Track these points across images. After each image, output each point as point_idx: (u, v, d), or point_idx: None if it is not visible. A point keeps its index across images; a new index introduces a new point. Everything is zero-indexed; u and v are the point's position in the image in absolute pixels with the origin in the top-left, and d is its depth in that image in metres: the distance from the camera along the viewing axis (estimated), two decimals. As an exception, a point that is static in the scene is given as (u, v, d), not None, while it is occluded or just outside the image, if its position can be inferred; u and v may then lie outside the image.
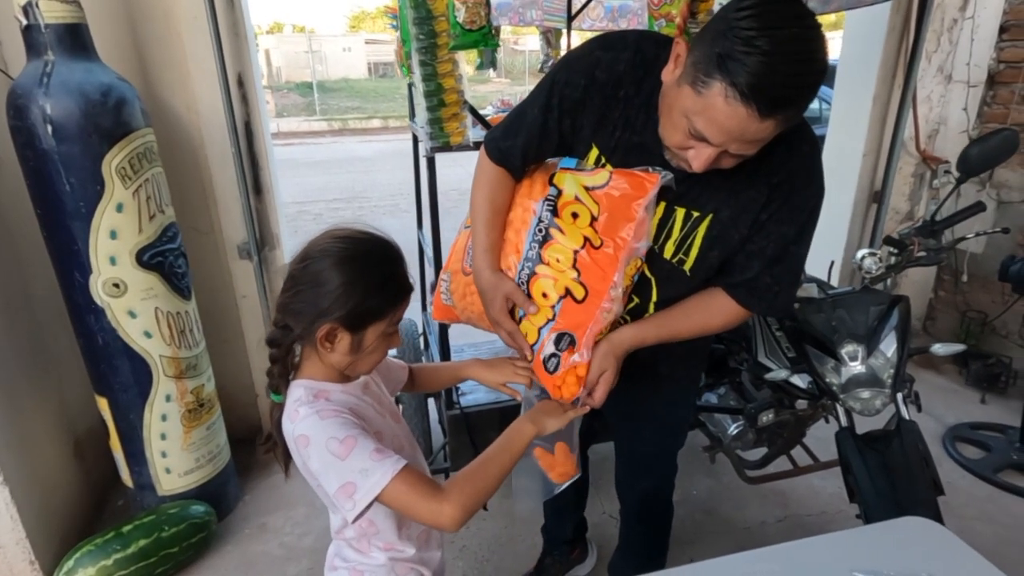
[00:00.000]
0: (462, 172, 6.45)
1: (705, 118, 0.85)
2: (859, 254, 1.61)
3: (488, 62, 2.51)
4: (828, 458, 2.06)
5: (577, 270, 1.04)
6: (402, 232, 0.98)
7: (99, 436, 2.03)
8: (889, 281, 3.16)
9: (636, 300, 1.13)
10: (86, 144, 1.62)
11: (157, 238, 1.82)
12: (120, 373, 1.86)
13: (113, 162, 1.68)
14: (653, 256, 1.09)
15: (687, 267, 1.09)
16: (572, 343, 1.05)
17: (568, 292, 1.05)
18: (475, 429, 1.98)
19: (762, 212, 1.03)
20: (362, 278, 0.89)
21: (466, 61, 1.82)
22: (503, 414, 2.01)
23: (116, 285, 1.76)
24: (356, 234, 0.93)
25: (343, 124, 14.30)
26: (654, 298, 1.12)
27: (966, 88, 2.93)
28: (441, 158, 1.79)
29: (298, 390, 0.92)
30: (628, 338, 1.09)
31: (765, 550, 1.04)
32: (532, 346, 1.10)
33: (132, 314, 1.80)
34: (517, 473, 1.12)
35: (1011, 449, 2.41)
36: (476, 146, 1.70)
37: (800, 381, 1.72)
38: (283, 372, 0.93)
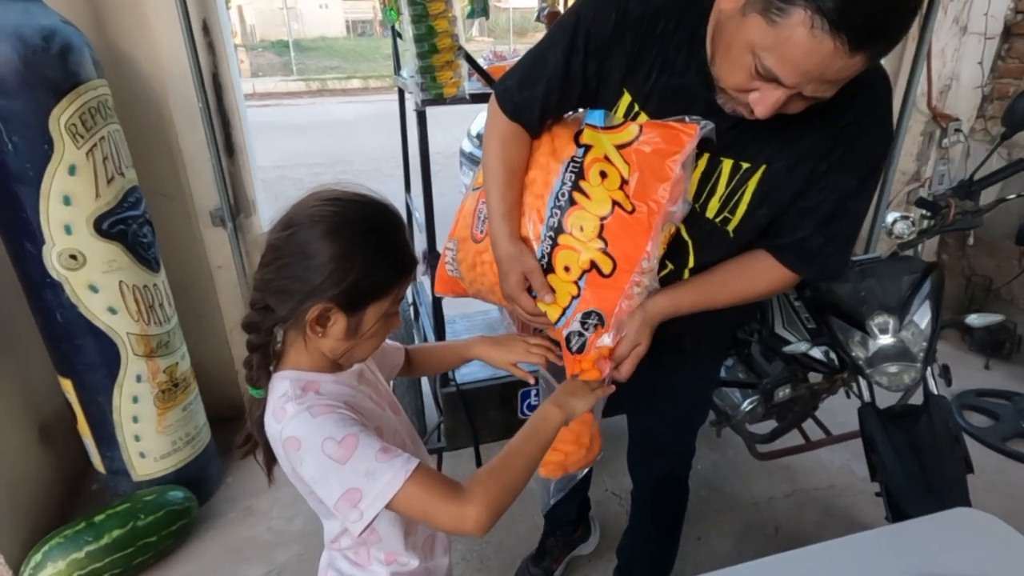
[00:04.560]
0: (448, 137, 6.21)
1: (778, 54, 0.71)
2: (889, 217, 1.49)
3: (480, 9, 2.31)
4: (840, 431, 1.99)
5: (604, 240, 0.91)
6: (388, 198, 0.82)
7: (68, 419, 1.88)
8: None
9: (670, 266, 1.00)
10: (28, 97, 1.43)
11: (117, 204, 1.64)
12: (84, 352, 1.70)
13: (62, 118, 1.49)
14: (693, 215, 0.95)
15: (731, 227, 0.96)
16: (601, 322, 0.93)
17: (593, 265, 0.91)
18: (473, 407, 1.86)
19: (821, 162, 0.90)
20: (359, 249, 0.74)
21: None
22: (503, 390, 1.89)
23: (73, 256, 1.59)
24: (349, 196, 0.78)
25: (322, 84, 13.78)
26: (690, 263, 1.00)
27: (982, 40, 2.79)
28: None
29: (283, 383, 0.78)
30: (663, 307, 0.97)
31: (806, 550, 0.94)
32: (554, 324, 0.97)
33: (93, 288, 1.64)
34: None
35: (1019, 417, 2.36)
36: (473, 99, 1.53)
37: (819, 353, 1.62)
38: (264, 362, 0.79)
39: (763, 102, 0.77)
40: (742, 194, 0.94)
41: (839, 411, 2.09)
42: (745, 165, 0.92)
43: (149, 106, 1.95)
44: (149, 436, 1.86)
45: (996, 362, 2.80)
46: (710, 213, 0.96)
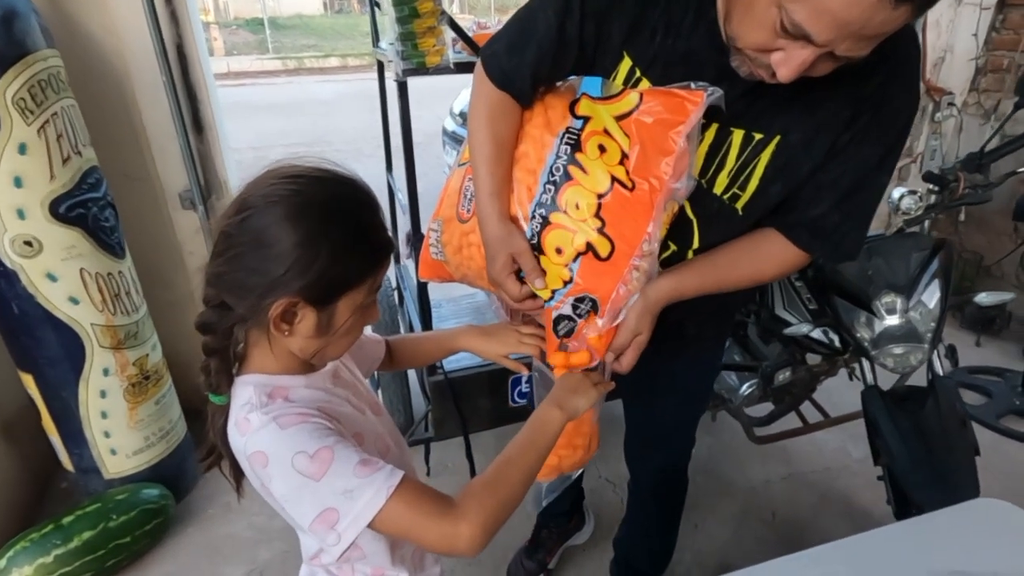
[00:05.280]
0: (431, 116, 6.04)
1: (812, 6, 0.62)
2: (896, 193, 1.43)
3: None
4: (837, 412, 1.95)
5: (601, 220, 0.82)
6: (368, 178, 0.73)
7: (33, 415, 1.78)
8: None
9: (673, 247, 0.93)
10: (-32, 69, 1.31)
11: (75, 186, 1.52)
12: (45, 346, 1.60)
13: (8, 92, 1.36)
14: (700, 192, 0.87)
15: (740, 204, 0.88)
16: (594, 308, 0.85)
17: (589, 247, 0.83)
18: (461, 396, 1.78)
19: (844, 132, 0.82)
20: (327, 233, 0.65)
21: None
22: (493, 378, 1.81)
23: (28, 243, 1.47)
24: (311, 172, 0.68)
25: (299, 63, 13.42)
26: (695, 244, 0.92)
27: (977, 10, 2.72)
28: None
29: (246, 390, 0.69)
30: (666, 291, 0.89)
31: (825, 548, 0.88)
32: (545, 304, 0.89)
33: (52, 277, 1.53)
34: None
35: (1012, 394, 2.34)
36: (458, 68, 1.43)
37: (819, 335, 1.57)
38: (224, 366, 0.70)
39: (788, 63, 0.68)
40: (754, 168, 0.85)
41: (834, 391, 2.05)
42: (758, 136, 0.84)
43: (108, 80, 1.81)
44: (120, 432, 1.76)
45: (987, 339, 2.79)
46: (718, 189, 0.88)
